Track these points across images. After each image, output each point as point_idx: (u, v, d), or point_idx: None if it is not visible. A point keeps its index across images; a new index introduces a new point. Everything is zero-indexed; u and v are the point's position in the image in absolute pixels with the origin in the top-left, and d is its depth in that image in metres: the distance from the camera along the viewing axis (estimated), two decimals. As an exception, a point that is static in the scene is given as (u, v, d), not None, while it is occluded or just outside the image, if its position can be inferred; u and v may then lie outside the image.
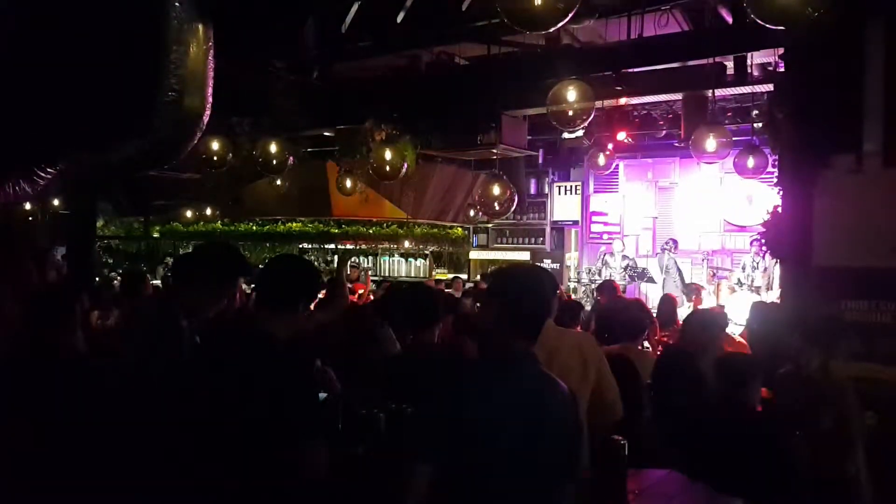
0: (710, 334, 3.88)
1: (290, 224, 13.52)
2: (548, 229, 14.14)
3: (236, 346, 2.38)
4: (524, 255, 13.71)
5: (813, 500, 3.14)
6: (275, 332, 2.36)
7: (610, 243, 12.68)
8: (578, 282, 13.04)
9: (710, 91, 7.25)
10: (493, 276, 2.29)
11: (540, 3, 3.93)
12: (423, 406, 2.12)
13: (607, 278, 10.62)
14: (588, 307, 9.56)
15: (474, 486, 2.00)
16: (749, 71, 7.43)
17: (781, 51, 5.72)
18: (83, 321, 5.21)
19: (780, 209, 4.94)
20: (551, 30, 4.42)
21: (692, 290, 9.76)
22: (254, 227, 13.83)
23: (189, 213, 14.07)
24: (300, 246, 14.14)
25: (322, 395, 3.12)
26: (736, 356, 3.65)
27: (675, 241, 11.93)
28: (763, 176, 8.42)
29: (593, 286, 11.83)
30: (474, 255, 14.78)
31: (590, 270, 12.58)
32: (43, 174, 3.81)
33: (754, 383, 3.24)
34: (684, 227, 12.80)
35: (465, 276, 13.60)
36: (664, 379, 3.74)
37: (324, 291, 4.90)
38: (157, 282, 10.99)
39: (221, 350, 2.42)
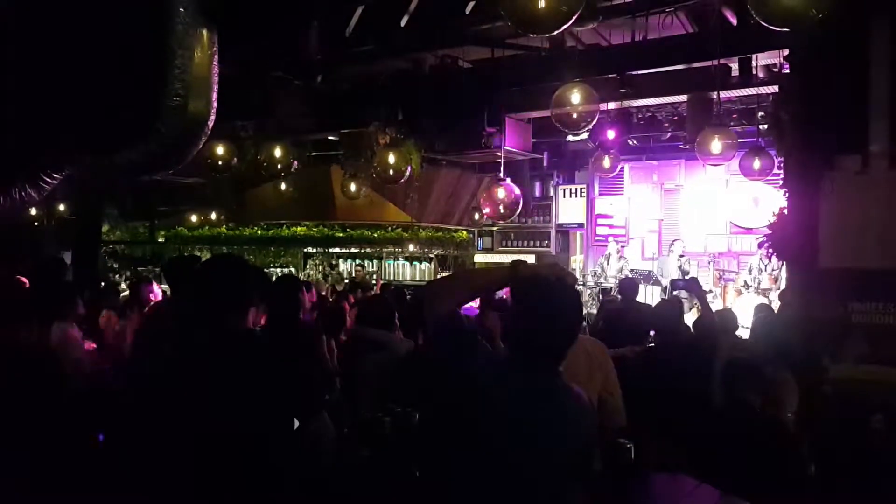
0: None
1: (294, 228, 13.55)
2: (553, 232, 14.12)
3: (213, 345, 2.40)
4: (529, 258, 13.69)
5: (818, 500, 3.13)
6: (239, 326, 2.44)
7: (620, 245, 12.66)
8: (584, 285, 13.01)
9: (715, 93, 7.24)
10: (520, 288, 2.21)
11: (543, 5, 3.93)
12: (436, 397, 2.11)
13: (626, 277, 10.54)
14: (594, 310, 9.56)
15: (483, 485, 1.99)
16: (754, 72, 7.42)
17: (786, 52, 5.71)
18: (90, 324, 5.24)
19: (786, 211, 4.92)
20: (555, 32, 4.42)
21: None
22: (258, 232, 13.86)
23: (194, 218, 14.13)
24: (305, 250, 14.17)
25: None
26: (740, 358, 3.64)
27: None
28: (769, 178, 8.40)
29: (598, 289, 11.81)
30: (479, 258, 14.76)
31: (595, 273, 12.56)
32: (48, 179, 3.82)
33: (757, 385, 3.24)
34: (690, 230, 12.76)
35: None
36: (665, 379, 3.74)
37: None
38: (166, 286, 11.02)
39: (202, 352, 2.43)
